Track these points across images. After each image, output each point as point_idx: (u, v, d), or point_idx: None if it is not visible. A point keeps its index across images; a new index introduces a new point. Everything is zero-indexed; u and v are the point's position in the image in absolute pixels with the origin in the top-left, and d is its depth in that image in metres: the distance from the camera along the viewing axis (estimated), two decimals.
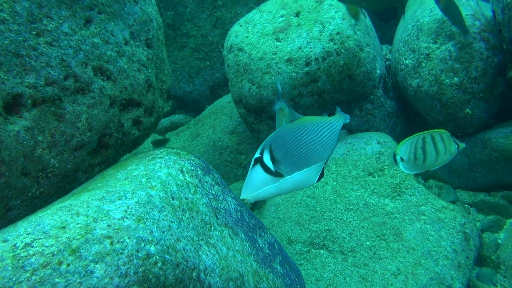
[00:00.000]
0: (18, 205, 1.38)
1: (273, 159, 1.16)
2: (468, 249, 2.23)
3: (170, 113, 3.73)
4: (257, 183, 1.14)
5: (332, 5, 2.57)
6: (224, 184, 1.56)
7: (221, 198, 1.44)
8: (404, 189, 2.40)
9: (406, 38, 2.70)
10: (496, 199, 2.62)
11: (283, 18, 2.61)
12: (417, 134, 1.87)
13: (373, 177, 2.41)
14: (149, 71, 1.95)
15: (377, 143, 2.55)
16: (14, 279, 0.82)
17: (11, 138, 1.29)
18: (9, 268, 0.83)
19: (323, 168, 1.29)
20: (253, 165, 1.17)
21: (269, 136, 1.22)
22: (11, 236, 0.91)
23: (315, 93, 2.51)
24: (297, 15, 2.60)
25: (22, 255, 0.85)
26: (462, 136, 2.72)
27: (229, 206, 1.46)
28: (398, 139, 3.00)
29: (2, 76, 1.29)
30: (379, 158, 2.46)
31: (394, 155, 1.87)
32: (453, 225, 2.27)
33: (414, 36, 2.64)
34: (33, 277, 0.83)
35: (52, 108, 1.46)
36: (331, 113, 1.40)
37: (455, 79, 2.43)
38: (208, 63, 3.53)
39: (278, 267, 1.49)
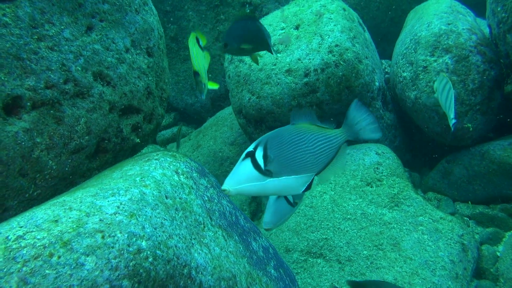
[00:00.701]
0: (15, 206, 1.39)
1: (265, 157, 1.14)
2: (466, 261, 2.22)
3: (172, 124, 3.76)
4: (242, 177, 1.13)
5: (331, 19, 2.62)
6: (220, 187, 1.57)
7: (216, 200, 1.45)
8: (402, 200, 2.40)
9: (404, 51, 2.74)
10: (495, 212, 2.61)
11: (283, 31, 2.65)
12: None
13: (371, 187, 2.41)
14: (149, 78, 1.98)
15: (376, 154, 2.56)
16: (5, 270, 0.83)
17: (10, 139, 1.31)
18: (0, 259, 0.84)
19: (312, 181, 1.25)
20: (243, 158, 1.14)
21: (267, 133, 1.21)
22: (4, 229, 0.92)
23: (314, 103, 2.54)
24: (296, 28, 2.65)
25: (13, 247, 0.86)
26: (460, 148, 2.73)
27: (224, 209, 1.47)
28: (398, 151, 3.01)
29: (2, 78, 1.32)
30: (377, 168, 2.47)
31: None
32: (451, 236, 2.26)
33: (412, 49, 2.67)
34: (24, 268, 0.83)
35: (51, 111, 1.49)
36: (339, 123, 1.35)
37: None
38: (210, 75, 3.58)
39: (272, 271, 1.49)
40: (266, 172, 1.15)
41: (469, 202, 2.77)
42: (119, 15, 1.84)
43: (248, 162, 1.14)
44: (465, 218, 2.75)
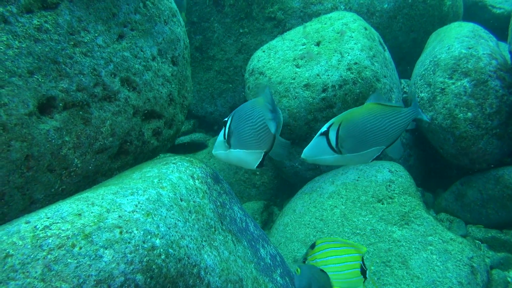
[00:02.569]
0: (42, 199, 1.49)
1: (337, 138, 1.32)
2: (474, 283, 2.22)
3: (191, 131, 3.86)
4: (316, 152, 1.32)
5: (352, 37, 2.68)
6: (232, 194, 1.64)
7: (227, 206, 1.52)
8: (412, 218, 2.42)
9: (423, 72, 2.77)
10: (507, 237, 2.60)
11: (304, 47, 2.73)
12: None
13: (382, 204, 2.44)
14: (172, 86, 2.08)
15: (389, 171, 2.59)
16: (32, 256, 0.91)
17: (42, 136, 1.42)
18: (29, 246, 0.93)
19: (382, 151, 1.41)
20: (319, 135, 1.33)
21: (341, 114, 1.38)
22: (33, 218, 1.01)
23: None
24: (317, 44, 2.72)
25: (41, 235, 0.95)
26: (475, 172, 2.73)
27: (235, 215, 1.53)
28: (412, 170, 3.03)
29: (40, 80, 1.43)
30: (389, 186, 2.50)
31: None
32: (460, 257, 2.27)
33: (431, 71, 2.71)
34: (49, 256, 0.92)
35: (80, 112, 1.59)
36: None
37: (469, 114, 2.47)
38: (230, 85, 3.68)
39: (278, 278, 1.54)
40: (337, 150, 1.31)
41: (479, 225, 2.76)
42: (149, 25, 1.95)
43: (323, 140, 1.32)
44: (477, 241, 2.75)
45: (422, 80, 2.76)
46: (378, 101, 1.41)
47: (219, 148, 1.39)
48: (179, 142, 3.72)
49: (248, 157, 1.34)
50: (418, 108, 1.46)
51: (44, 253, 0.92)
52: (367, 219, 2.38)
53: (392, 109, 1.38)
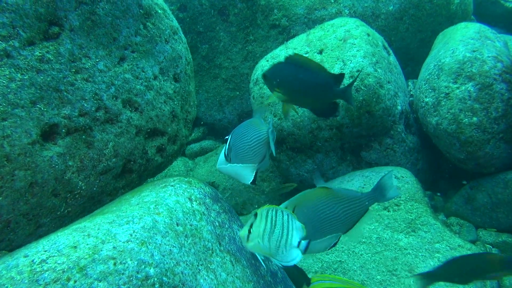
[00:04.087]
0: (48, 223, 1.55)
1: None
2: None
3: (201, 138, 3.92)
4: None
5: (354, 44, 2.68)
6: (232, 212, 1.68)
7: (227, 225, 1.55)
8: (419, 225, 2.41)
9: (428, 77, 2.75)
10: None
11: (307, 55, 2.74)
12: None
13: (388, 211, 2.44)
14: (175, 103, 2.13)
15: (395, 177, 2.58)
16: None
17: (45, 163, 1.48)
18: (26, 281, 0.98)
19: (338, 239, 1.39)
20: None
21: (295, 197, 1.35)
22: (31, 252, 1.06)
23: (334, 126, 2.60)
24: (320, 52, 2.73)
25: (37, 270, 1.00)
26: (484, 175, 2.70)
27: (234, 234, 1.57)
28: (420, 174, 3.01)
29: (42, 109, 1.49)
30: None
31: None
32: None
33: (435, 75, 2.68)
34: None
35: (83, 136, 1.65)
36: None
37: (474, 118, 2.45)
38: (238, 93, 3.71)
39: None
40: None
41: (490, 229, 2.73)
42: (150, 45, 1.99)
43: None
44: (488, 245, 2.72)
45: (426, 85, 2.74)
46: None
47: (221, 162, 1.51)
48: (189, 150, 3.78)
49: (244, 172, 1.49)
50: (381, 193, 1.36)
51: None
52: (373, 227, 2.38)
53: (347, 193, 1.35)
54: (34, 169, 1.44)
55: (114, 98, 1.77)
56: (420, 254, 2.30)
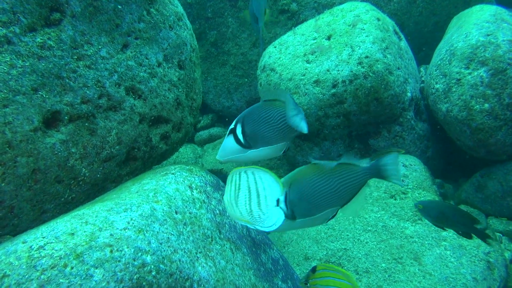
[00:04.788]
0: (52, 209, 1.57)
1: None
2: (491, 279, 2.18)
3: (210, 125, 3.92)
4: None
5: (364, 29, 2.62)
6: None
7: (227, 213, 1.55)
8: None
9: (439, 62, 2.68)
10: None
11: (315, 41, 2.69)
12: None
13: (395, 199, 2.41)
14: (179, 90, 2.12)
15: (403, 166, 2.55)
16: (26, 276, 0.98)
17: (48, 150, 1.49)
18: (24, 266, 0.99)
19: (336, 212, 1.34)
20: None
21: (287, 176, 1.29)
22: (30, 238, 1.08)
23: (341, 114, 2.57)
24: (328, 38, 2.68)
25: (35, 256, 1.01)
26: (495, 163, 2.64)
27: (235, 222, 1.57)
28: (430, 162, 2.97)
29: (44, 95, 1.50)
30: (402, 181, 2.46)
31: None
32: (476, 253, 2.23)
33: (447, 61, 2.61)
34: (42, 276, 0.98)
35: (86, 124, 1.65)
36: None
37: (486, 105, 2.38)
38: (246, 80, 3.69)
39: (280, 282, 1.57)
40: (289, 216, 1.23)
41: (501, 218, 2.68)
42: (154, 32, 1.98)
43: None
44: (498, 234, 2.67)
45: (437, 71, 2.68)
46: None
47: (232, 153, 1.48)
48: (198, 137, 3.79)
49: (273, 150, 1.48)
50: (379, 171, 1.27)
51: (38, 273, 0.98)
52: (379, 215, 2.36)
53: (342, 167, 1.29)
54: (36, 155, 1.45)
55: (117, 86, 1.77)
56: (426, 242, 2.28)
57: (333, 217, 1.34)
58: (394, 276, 2.16)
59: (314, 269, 1.33)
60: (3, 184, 1.36)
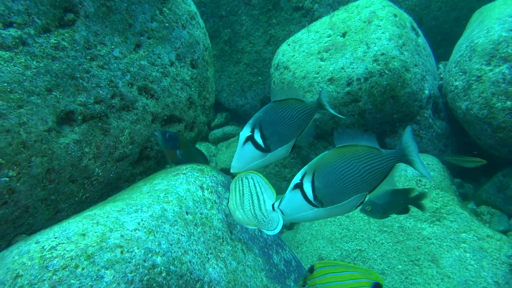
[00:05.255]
0: (66, 208, 1.59)
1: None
2: None
3: (224, 124, 3.91)
4: (293, 210, 1.20)
5: (380, 26, 2.57)
6: None
7: (231, 219, 1.54)
8: (445, 214, 2.33)
9: (459, 59, 2.61)
10: None
11: (330, 38, 2.65)
12: None
13: None
14: (192, 89, 2.11)
15: None
16: (39, 277, 0.98)
17: (61, 150, 1.50)
18: (36, 267, 1.00)
19: (364, 198, 1.28)
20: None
21: (314, 161, 1.25)
22: (43, 238, 1.08)
23: (356, 112, 2.52)
24: (343, 35, 2.63)
25: (47, 256, 1.02)
26: None
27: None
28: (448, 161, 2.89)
29: (58, 96, 1.51)
30: (419, 181, 2.41)
31: None
32: (498, 256, 2.16)
33: (467, 57, 2.54)
34: (54, 277, 0.98)
35: (99, 123, 1.66)
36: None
37: (508, 102, 2.31)
38: (260, 78, 3.67)
39: (292, 284, 1.56)
40: (316, 203, 1.20)
41: None
42: (166, 31, 1.98)
43: (297, 193, 1.20)
44: None
45: (457, 67, 2.60)
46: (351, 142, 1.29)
47: (252, 160, 1.41)
48: (212, 135, 3.79)
49: (288, 148, 1.43)
50: (410, 151, 1.21)
51: (50, 274, 0.98)
52: (394, 215, 2.31)
53: (368, 150, 1.24)
54: (50, 155, 1.46)
55: (130, 85, 1.78)
56: (444, 244, 2.22)
57: (361, 203, 1.30)
58: (411, 279, 2.12)
59: (311, 269, 1.28)
60: (18, 184, 1.38)
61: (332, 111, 1.44)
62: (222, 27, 3.60)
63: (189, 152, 1.76)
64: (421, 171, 1.20)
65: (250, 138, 1.39)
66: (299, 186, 1.19)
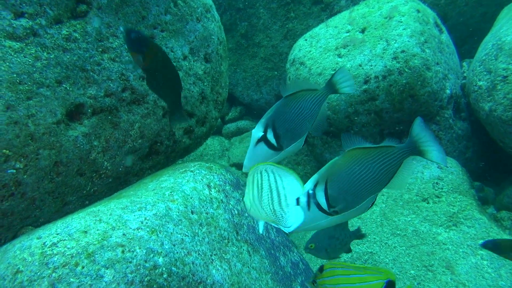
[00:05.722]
0: (74, 201, 1.58)
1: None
2: None
3: (238, 118, 3.88)
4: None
5: (401, 22, 2.48)
6: None
7: (246, 214, 1.51)
8: (462, 219, 2.25)
9: (484, 58, 2.50)
10: None
11: (348, 34, 2.58)
12: None
13: (427, 203, 2.29)
14: (205, 84, 2.08)
15: (438, 167, 2.41)
16: (38, 273, 0.97)
17: (70, 143, 1.49)
18: (36, 263, 0.98)
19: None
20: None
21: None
22: (45, 234, 1.07)
23: (372, 111, 2.45)
24: (362, 31, 2.56)
25: (48, 253, 1.00)
26: None
27: (254, 222, 1.52)
28: (469, 164, 2.80)
29: (68, 88, 1.49)
30: (437, 183, 2.33)
31: None
32: None
33: (493, 56, 2.44)
34: (54, 274, 0.97)
35: (109, 117, 1.65)
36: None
37: None
38: (276, 73, 3.61)
39: (299, 287, 1.52)
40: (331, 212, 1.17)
41: None
42: (180, 24, 1.94)
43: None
44: None
45: (481, 66, 2.50)
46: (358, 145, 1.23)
47: (265, 160, 1.36)
48: (226, 129, 3.76)
49: (300, 143, 1.39)
50: (422, 141, 1.16)
51: (49, 271, 0.97)
52: (409, 219, 2.25)
53: (379, 150, 1.18)
54: (58, 148, 1.45)
55: (141, 79, 1.75)
56: (461, 250, 2.15)
57: (373, 204, 1.26)
58: (424, 285, 2.06)
59: (321, 268, 1.25)
60: (25, 176, 1.37)
61: (346, 91, 1.37)
62: (239, 20, 3.55)
63: (155, 69, 1.31)
64: (434, 160, 1.14)
65: (263, 139, 1.35)
66: (312, 196, 1.15)
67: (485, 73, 2.47)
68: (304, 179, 2.97)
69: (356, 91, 2.40)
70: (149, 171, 1.87)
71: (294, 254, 1.64)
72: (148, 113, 1.78)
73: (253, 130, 1.31)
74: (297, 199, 1.11)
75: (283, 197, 1.09)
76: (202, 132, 2.10)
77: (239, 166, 3.33)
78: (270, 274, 1.42)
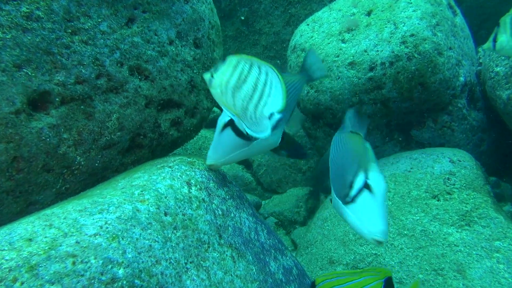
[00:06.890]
0: (41, 200, 1.42)
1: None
2: None
3: None
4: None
5: (411, 3, 2.28)
6: (242, 198, 1.46)
7: (232, 214, 1.34)
8: (476, 218, 2.06)
9: None
10: None
11: (353, 17, 2.38)
12: None
13: (438, 200, 2.10)
14: (194, 71, 1.90)
15: (450, 161, 2.21)
16: None
17: (33, 135, 1.33)
18: None
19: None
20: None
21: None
22: None
23: (378, 101, 2.26)
24: (368, 14, 2.36)
25: None
26: None
27: (241, 224, 1.35)
28: (483, 157, 2.60)
29: (30, 73, 1.33)
30: (448, 179, 2.14)
31: None
32: None
33: None
34: None
35: (82, 107, 1.48)
36: None
37: None
38: (278, 61, 3.43)
39: None
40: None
41: None
42: (165, 5, 1.77)
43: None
44: None
45: None
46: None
47: (232, 150, 1.27)
48: None
49: (272, 139, 1.26)
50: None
51: None
52: (417, 217, 2.06)
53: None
54: (18, 141, 1.29)
55: (119, 65, 1.58)
56: (474, 252, 1.96)
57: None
58: None
59: (313, 285, 1.15)
60: None
61: (318, 75, 1.32)
62: (239, 6, 3.36)
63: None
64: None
65: (230, 123, 1.19)
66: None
67: (502, 58, 2.26)
68: (307, 174, 2.75)
69: (328, 75, 2.22)
70: (131, 166, 1.71)
71: (287, 258, 1.47)
72: (128, 103, 1.61)
73: (220, 116, 1.14)
74: (271, 114, 0.99)
75: (263, 103, 0.99)
76: (192, 124, 1.92)
77: None
78: (258, 283, 1.25)
